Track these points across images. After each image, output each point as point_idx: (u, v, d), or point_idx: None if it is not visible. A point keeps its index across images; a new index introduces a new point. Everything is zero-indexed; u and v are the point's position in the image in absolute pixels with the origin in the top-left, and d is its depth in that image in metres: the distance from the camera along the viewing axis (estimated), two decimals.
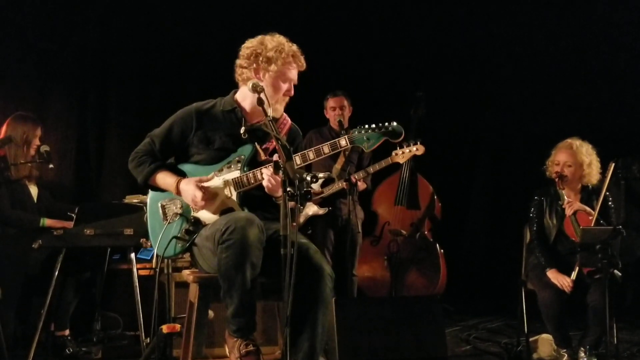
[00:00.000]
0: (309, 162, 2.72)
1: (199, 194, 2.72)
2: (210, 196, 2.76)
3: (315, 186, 2.74)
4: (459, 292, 5.66)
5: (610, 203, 3.91)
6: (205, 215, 2.78)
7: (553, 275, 3.75)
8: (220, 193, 2.78)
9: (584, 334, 3.78)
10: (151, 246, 3.26)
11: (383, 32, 6.24)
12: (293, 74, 2.82)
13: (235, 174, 2.77)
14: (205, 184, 2.77)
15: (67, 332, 4.04)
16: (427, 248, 5.23)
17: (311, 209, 4.55)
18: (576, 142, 3.97)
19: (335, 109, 4.76)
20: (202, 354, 2.87)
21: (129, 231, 3.73)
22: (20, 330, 4.03)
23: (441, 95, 5.99)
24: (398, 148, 4.28)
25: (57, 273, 3.71)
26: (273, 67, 2.75)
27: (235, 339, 2.57)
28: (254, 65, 2.77)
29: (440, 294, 5.10)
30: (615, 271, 3.50)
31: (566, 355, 3.72)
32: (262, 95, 2.58)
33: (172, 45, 5.64)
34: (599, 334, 3.65)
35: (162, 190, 2.88)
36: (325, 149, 2.71)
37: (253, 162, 2.80)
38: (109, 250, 4.10)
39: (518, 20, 6.27)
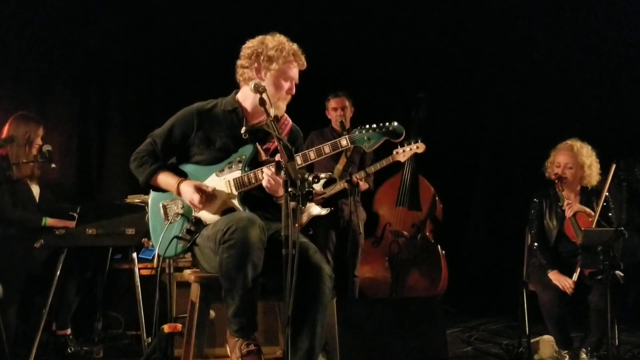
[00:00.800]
0: (310, 162, 2.72)
1: (196, 197, 2.72)
2: (211, 196, 2.76)
3: (317, 187, 2.73)
4: (460, 293, 5.67)
5: (610, 204, 3.91)
6: (207, 216, 2.79)
7: (555, 276, 3.75)
8: (221, 193, 2.78)
9: (585, 336, 3.78)
10: (152, 246, 3.26)
11: (384, 33, 6.23)
12: (294, 72, 2.82)
13: (236, 174, 2.77)
14: (206, 187, 2.77)
15: (68, 331, 4.05)
16: (429, 249, 5.23)
17: (314, 209, 4.55)
18: (577, 144, 3.95)
19: (337, 110, 4.75)
20: (203, 354, 2.86)
21: (130, 231, 3.74)
22: (22, 330, 4.03)
23: (443, 97, 6.00)
24: (399, 147, 4.29)
25: (58, 273, 3.72)
26: (274, 65, 2.76)
27: (237, 339, 2.57)
28: (255, 64, 2.78)
29: (442, 295, 5.10)
30: (617, 272, 3.49)
31: (567, 356, 3.72)
32: (264, 95, 2.59)
33: (174, 45, 5.65)
34: (600, 335, 3.64)
35: (164, 191, 2.88)
36: (326, 149, 2.71)
37: (254, 163, 2.80)
38: (110, 250, 4.12)
39: (519, 22, 6.26)
